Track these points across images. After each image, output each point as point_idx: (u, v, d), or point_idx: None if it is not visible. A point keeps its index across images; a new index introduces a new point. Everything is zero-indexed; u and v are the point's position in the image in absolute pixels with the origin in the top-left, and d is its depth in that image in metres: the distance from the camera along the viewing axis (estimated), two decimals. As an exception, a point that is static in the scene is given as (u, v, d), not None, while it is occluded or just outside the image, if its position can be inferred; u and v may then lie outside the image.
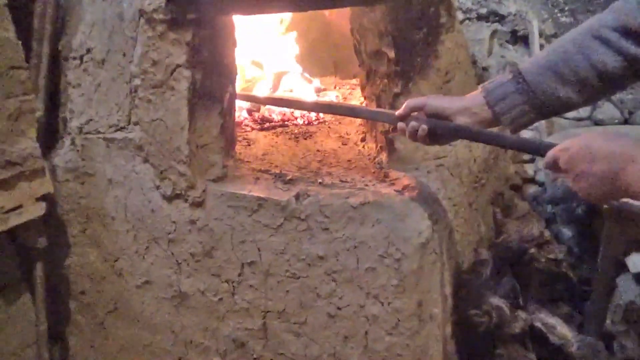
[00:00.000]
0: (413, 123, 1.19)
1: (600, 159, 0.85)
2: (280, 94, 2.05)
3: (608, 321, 1.68)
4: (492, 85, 1.12)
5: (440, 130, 1.18)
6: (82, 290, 1.68)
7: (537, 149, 1.03)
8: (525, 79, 1.07)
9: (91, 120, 1.58)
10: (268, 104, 1.87)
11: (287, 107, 1.87)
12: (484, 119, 1.13)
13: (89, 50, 1.59)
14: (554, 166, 0.95)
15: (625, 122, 2.34)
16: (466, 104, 1.15)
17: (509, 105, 1.09)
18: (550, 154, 0.95)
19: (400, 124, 1.23)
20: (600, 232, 1.77)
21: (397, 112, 1.24)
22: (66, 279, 1.68)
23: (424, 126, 1.17)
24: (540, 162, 2.53)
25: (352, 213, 1.35)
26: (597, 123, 2.40)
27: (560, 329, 1.59)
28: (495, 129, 1.16)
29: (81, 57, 1.61)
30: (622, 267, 1.67)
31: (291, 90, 2.06)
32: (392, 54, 1.48)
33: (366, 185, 1.46)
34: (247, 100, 1.92)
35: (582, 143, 0.89)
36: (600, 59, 1.01)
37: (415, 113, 1.22)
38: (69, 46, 1.64)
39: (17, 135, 1.40)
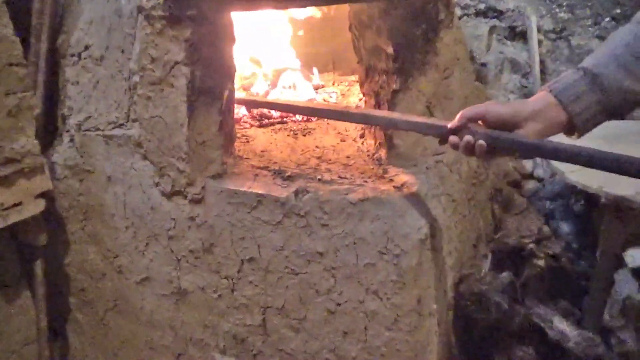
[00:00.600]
0: (468, 137, 1.04)
1: None
2: (279, 92, 2.05)
3: (606, 316, 1.69)
4: (561, 86, 1.02)
5: (502, 145, 1.02)
6: (82, 287, 1.68)
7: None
8: (595, 74, 0.99)
9: (90, 117, 1.58)
10: (283, 111, 1.79)
11: (309, 115, 1.75)
12: (558, 123, 1.02)
13: (87, 47, 1.59)
14: None
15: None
16: (536, 107, 1.03)
17: (583, 105, 1.00)
18: None
19: (452, 138, 1.08)
20: (599, 227, 1.78)
21: (450, 124, 1.09)
22: (66, 276, 1.68)
23: (482, 142, 1.03)
24: (537, 159, 2.54)
25: (352, 209, 1.35)
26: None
27: (559, 324, 1.60)
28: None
29: (79, 54, 1.61)
30: (620, 262, 1.68)
31: (292, 87, 2.06)
32: (390, 50, 1.48)
33: (365, 181, 1.46)
34: (264, 107, 1.85)
35: None
36: None
37: (472, 124, 1.07)
38: (67, 43, 1.64)
39: (16, 132, 1.40)
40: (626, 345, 1.60)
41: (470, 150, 1.05)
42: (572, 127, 1.03)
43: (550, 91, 1.03)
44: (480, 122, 1.06)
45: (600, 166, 0.97)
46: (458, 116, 1.08)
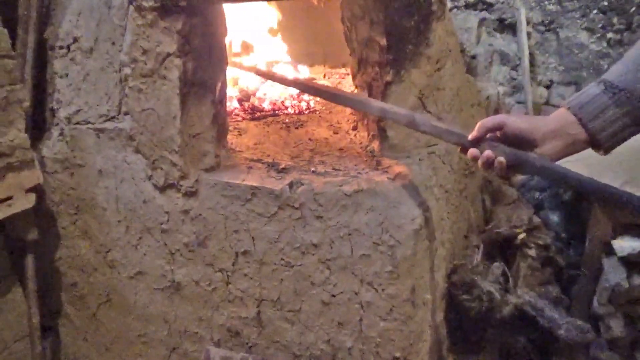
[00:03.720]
0: (488, 152, 1.01)
1: None
2: (269, 86, 2.04)
3: (595, 303, 1.72)
4: (581, 101, 0.98)
5: (522, 165, 0.99)
6: (74, 282, 1.67)
7: None
8: (620, 88, 0.95)
9: (80, 110, 1.56)
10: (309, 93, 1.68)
11: (328, 99, 1.56)
12: (580, 141, 0.98)
13: (76, 39, 1.56)
14: None
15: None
16: (555, 125, 0.99)
17: (608, 120, 0.96)
18: None
19: (472, 151, 1.04)
20: (587, 217, 1.81)
21: (470, 135, 1.05)
22: (57, 271, 1.66)
23: (501, 159, 0.99)
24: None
25: (346, 201, 1.36)
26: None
27: (549, 312, 1.63)
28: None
29: (68, 46, 1.58)
30: (609, 251, 1.71)
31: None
32: (383, 42, 1.48)
33: (359, 173, 1.46)
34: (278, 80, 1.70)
35: None
36: None
37: (491, 136, 1.04)
38: (55, 35, 1.61)
39: (5, 126, 1.38)
40: (614, 332, 1.63)
41: (489, 165, 1.02)
42: (596, 144, 0.99)
43: (569, 108, 0.99)
44: (497, 133, 1.03)
45: (631, 207, 0.96)
46: (477, 126, 1.04)
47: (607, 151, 1.00)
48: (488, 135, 1.04)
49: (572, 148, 0.99)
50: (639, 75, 0.94)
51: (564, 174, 0.99)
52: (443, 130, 1.17)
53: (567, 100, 1.01)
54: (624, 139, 0.98)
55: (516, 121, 1.01)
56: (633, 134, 0.98)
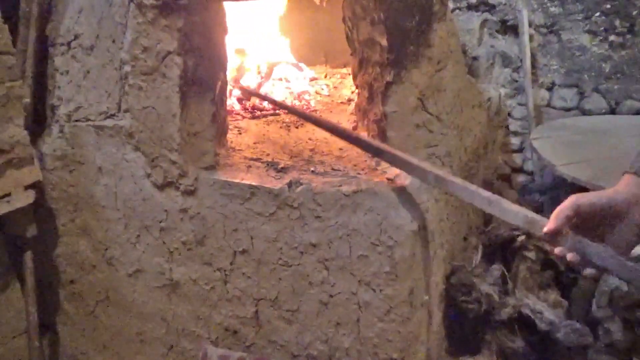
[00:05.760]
0: (574, 257, 0.87)
1: None
2: (270, 85, 2.04)
3: (594, 306, 1.71)
4: None
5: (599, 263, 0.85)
6: (72, 279, 1.67)
7: None
8: None
9: (80, 107, 1.56)
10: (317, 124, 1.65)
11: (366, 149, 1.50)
12: None
13: (77, 36, 1.56)
14: None
15: (612, 112, 2.38)
16: (631, 192, 0.90)
17: None
18: None
19: (558, 250, 0.90)
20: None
21: (546, 228, 0.90)
22: (56, 268, 1.66)
23: (571, 256, 0.87)
24: (528, 152, 2.56)
25: (345, 201, 1.35)
26: (585, 113, 2.43)
27: (548, 315, 1.62)
28: None
29: (69, 43, 1.58)
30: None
31: (284, 79, 2.05)
32: (385, 42, 1.48)
33: (358, 173, 1.46)
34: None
35: None
36: None
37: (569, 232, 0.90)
38: (56, 32, 1.61)
39: (4, 122, 1.38)
40: (613, 336, 1.63)
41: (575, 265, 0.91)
42: None
43: (635, 173, 0.91)
44: (574, 219, 0.90)
45: None
46: (554, 216, 0.90)
47: None
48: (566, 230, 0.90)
49: None
50: None
51: None
52: (521, 216, 1.05)
53: (629, 168, 0.94)
54: None
55: (586, 199, 0.90)
56: None
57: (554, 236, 0.89)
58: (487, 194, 1.16)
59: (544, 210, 2.22)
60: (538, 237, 1.03)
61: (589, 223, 0.90)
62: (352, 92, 1.98)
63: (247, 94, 1.91)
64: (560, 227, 0.88)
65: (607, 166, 1.81)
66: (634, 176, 0.91)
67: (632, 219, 0.88)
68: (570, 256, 0.87)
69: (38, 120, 1.64)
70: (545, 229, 0.90)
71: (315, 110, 1.96)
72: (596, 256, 0.86)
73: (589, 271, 0.87)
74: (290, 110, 1.78)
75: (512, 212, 1.07)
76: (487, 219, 2.01)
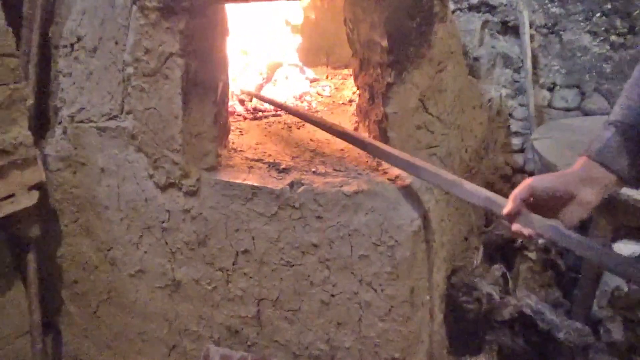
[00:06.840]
0: (529, 231, 0.99)
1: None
2: (272, 85, 2.04)
3: (595, 307, 1.71)
4: (598, 148, 0.98)
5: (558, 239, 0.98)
6: (75, 279, 1.68)
7: None
8: (628, 125, 0.97)
9: (83, 108, 1.57)
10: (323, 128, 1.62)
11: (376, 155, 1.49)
12: (611, 182, 0.98)
13: (79, 38, 1.57)
14: None
15: (613, 112, 2.38)
16: (583, 174, 0.97)
17: (630, 159, 0.96)
18: None
19: (515, 227, 1.01)
20: (588, 220, 1.80)
21: (505, 210, 1.01)
22: (59, 268, 1.67)
23: (526, 231, 0.99)
24: (529, 153, 2.57)
25: (346, 201, 1.36)
26: (586, 113, 2.43)
27: (549, 315, 1.62)
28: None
29: (72, 45, 1.59)
30: (609, 254, 1.70)
31: (286, 78, 2.06)
32: (385, 43, 1.48)
33: (359, 174, 1.47)
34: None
35: None
36: None
37: (525, 210, 1.00)
38: (59, 34, 1.62)
39: (8, 123, 1.39)
40: (614, 336, 1.63)
41: (530, 239, 1.02)
42: (627, 182, 0.98)
43: (589, 156, 0.99)
44: (530, 199, 0.99)
45: None
46: (511, 199, 1.00)
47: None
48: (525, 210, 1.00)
49: (607, 190, 0.98)
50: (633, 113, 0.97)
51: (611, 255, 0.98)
52: (483, 197, 1.14)
53: (584, 150, 1.01)
54: None
55: (543, 181, 0.99)
56: None
57: (512, 216, 1.00)
58: (450, 176, 1.25)
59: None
60: (497, 216, 1.11)
61: (544, 202, 0.98)
62: (353, 93, 1.99)
63: (249, 95, 1.91)
64: (517, 208, 0.99)
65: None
66: (587, 159, 0.99)
67: (583, 197, 0.97)
68: (525, 231, 0.98)
69: (41, 122, 1.65)
70: (505, 211, 1.01)
71: (317, 111, 1.97)
72: (544, 229, 0.98)
73: (541, 241, 0.98)
74: (292, 111, 1.79)
75: (473, 192, 1.16)
76: (488, 219, 2.01)
